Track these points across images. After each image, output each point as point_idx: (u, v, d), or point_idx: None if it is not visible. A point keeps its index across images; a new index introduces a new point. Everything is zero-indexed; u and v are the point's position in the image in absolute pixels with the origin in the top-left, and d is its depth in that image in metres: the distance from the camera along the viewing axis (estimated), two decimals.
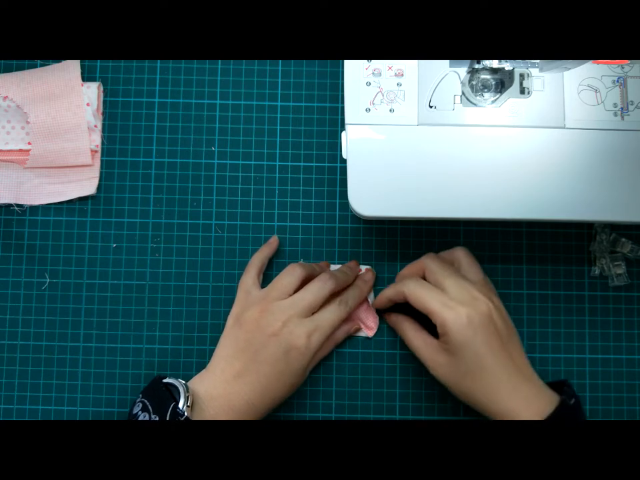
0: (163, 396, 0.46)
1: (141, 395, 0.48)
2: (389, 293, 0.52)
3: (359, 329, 0.54)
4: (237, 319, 0.51)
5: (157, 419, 0.45)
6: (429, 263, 0.51)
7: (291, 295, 0.50)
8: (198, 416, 0.47)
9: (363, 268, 0.55)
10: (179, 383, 0.47)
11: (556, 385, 0.48)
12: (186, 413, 0.45)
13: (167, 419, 0.45)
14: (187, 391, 0.47)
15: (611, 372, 0.55)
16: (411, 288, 0.49)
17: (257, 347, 0.48)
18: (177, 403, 0.46)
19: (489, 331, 0.46)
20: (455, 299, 0.47)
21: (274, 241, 0.55)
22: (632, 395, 0.55)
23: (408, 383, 0.54)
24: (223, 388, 0.48)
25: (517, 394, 0.46)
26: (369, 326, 0.54)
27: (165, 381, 0.48)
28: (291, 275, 0.51)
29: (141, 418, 0.46)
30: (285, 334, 0.48)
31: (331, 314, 0.50)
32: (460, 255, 0.52)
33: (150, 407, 0.46)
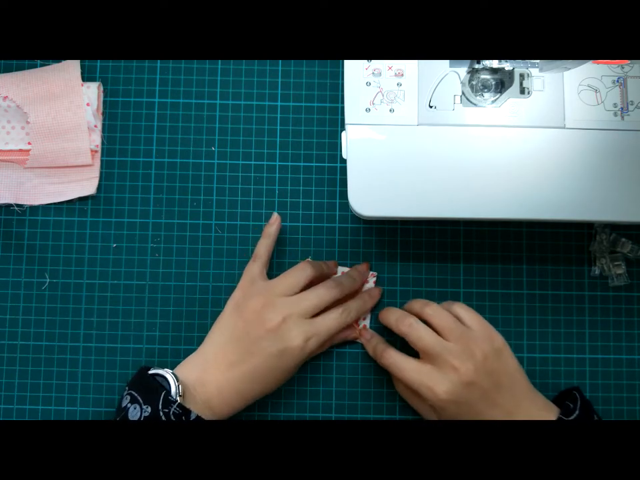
0: (151, 386, 0.47)
1: (127, 388, 0.48)
2: (376, 359, 0.52)
3: (357, 337, 0.54)
4: (237, 306, 0.50)
5: (149, 409, 0.45)
6: (407, 328, 0.49)
7: (296, 293, 0.50)
8: (189, 402, 0.47)
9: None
10: (166, 372, 0.48)
11: (565, 397, 0.49)
12: (179, 400, 0.46)
13: (159, 407, 0.45)
14: (177, 380, 0.47)
15: (610, 372, 0.55)
16: (389, 366, 0.49)
17: (254, 339, 0.48)
18: (168, 391, 0.46)
19: (472, 399, 0.46)
20: (433, 375, 0.47)
21: (275, 220, 0.54)
22: (632, 394, 0.55)
23: None
24: (214, 375, 0.48)
25: None
26: (361, 333, 0.54)
27: (151, 372, 0.48)
28: (300, 273, 0.51)
29: (131, 410, 0.46)
30: (283, 330, 0.48)
31: (332, 321, 0.50)
32: (428, 314, 0.50)
33: (140, 398, 0.46)
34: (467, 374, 0.46)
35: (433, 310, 0.49)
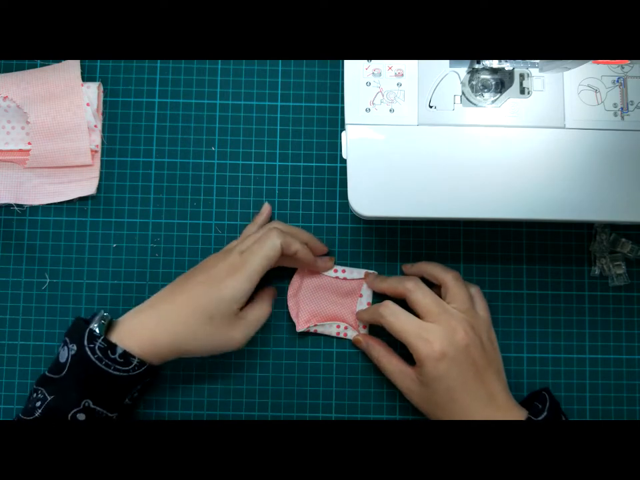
0: (79, 326, 0.47)
1: (64, 336, 0.49)
2: (366, 316, 0.52)
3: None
4: None
5: (75, 347, 0.46)
6: (412, 286, 0.49)
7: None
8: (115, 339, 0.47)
9: (363, 271, 0.55)
10: (97, 311, 0.49)
11: (534, 398, 0.50)
12: (103, 335, 0.46)
13: (85, 343, 0.46)
14: (104, 319, 0.47)
15: (611, 372, 0.55)
16: (387, 315, 0.49)
17: (188, 275, 0.50)
18: (92, 328, 0.47)
19: (463, 364, 0.47)
20: (432, 330, 0.47)
21: (265, 209, 0.55)
22: (632, 395, 0.55)
23: None
24: (131, 315, 0.49)
25: None
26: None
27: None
28: (253, 225, 0.54)
29: (61, 353, 0.47)
30: (219, 259, 0.49)
31: (268, 239, 0.49)
32: (449, 279, 0.50)
33: (67, 340, 0.47)
34: (465, 337, 0.47)
35: (456, 279, 0.50)
